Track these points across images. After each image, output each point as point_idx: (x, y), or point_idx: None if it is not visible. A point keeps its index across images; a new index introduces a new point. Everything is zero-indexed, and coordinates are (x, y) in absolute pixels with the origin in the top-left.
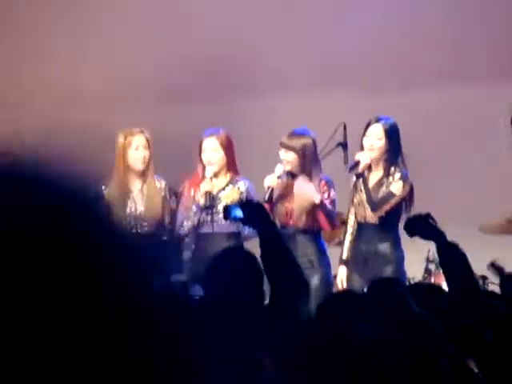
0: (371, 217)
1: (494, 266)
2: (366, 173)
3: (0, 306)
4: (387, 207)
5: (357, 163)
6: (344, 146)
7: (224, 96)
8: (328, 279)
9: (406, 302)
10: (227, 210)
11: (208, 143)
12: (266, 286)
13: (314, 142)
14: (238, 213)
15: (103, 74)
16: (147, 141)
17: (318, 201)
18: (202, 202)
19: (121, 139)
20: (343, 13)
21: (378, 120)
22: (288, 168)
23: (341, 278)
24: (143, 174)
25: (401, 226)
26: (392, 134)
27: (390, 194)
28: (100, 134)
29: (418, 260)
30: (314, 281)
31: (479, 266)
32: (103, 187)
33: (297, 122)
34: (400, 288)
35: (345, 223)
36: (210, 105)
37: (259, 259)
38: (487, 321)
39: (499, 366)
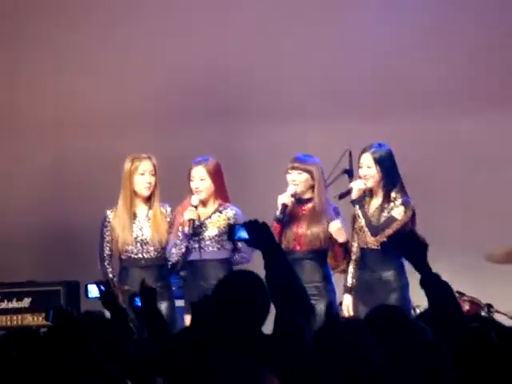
0: (373, 242)
1: None
2: (364, 199)
3: None
4: (389, 231)
5: (349, 191)
6: (349, 172)
7: (224, 122)
8: (334, 307)
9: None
10: (231, 230)
11: (196, 172)
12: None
13: (321, 166)
14: (243, 234)
15: (104, 102)
16: (154, 167)
17: (343, 240)
18: (186, 229)
19: (128, 164)
20: (343, 38)
21: (368, 149)
22: (299, 189)
23: (347, 305)
24: (149, 200)
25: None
26: (382, 161)
27: (392, 219)
28: (103, 160)
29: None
30: (320, 307)
31: (485, 294)
32: (109, 211)
33: (302, 149)
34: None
35: (349, 252)
36: (210, 131)
37: (265, 281)
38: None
39: None
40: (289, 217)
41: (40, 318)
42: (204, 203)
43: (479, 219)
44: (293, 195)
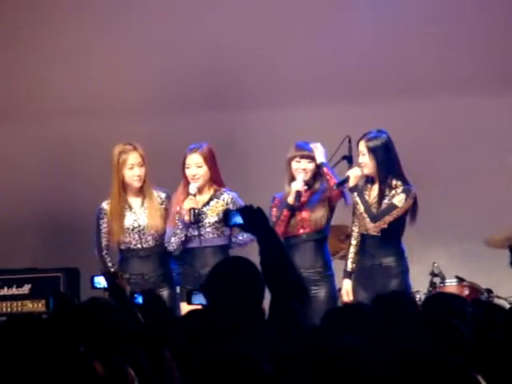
0: (373, 229)
1: None
2: (365, 186)
3: None
4: (389, 218)
5: (346, 179)
6: (349, 159)
7: (220, 109)
8: (334, 292)
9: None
10: (227, 216)
11: (192, 159)
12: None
13: None
14: (238, 219)
15: (100, 87)
16: (141, 157)
17: (322, 159)
18: (186, 218)
19: (115, 158)
20: (341, 24)
21: (363, 137)
22: (307, 178)
23: (346, 289)
24: (141, 190)
25: (406, 238)
26: (376, 149)
27: (392, 206)
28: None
29: (422, 273)
30: (322, 294)
31: (485, 279)
32: (105, 203)
33: (302, 135)
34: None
35: (349, 236)
36: (209, 116)
37: (259, 267)
38: None
39: None
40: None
41: (40, 305)
42: (200, 190)
43: (479, 204)
44: (305, 182)
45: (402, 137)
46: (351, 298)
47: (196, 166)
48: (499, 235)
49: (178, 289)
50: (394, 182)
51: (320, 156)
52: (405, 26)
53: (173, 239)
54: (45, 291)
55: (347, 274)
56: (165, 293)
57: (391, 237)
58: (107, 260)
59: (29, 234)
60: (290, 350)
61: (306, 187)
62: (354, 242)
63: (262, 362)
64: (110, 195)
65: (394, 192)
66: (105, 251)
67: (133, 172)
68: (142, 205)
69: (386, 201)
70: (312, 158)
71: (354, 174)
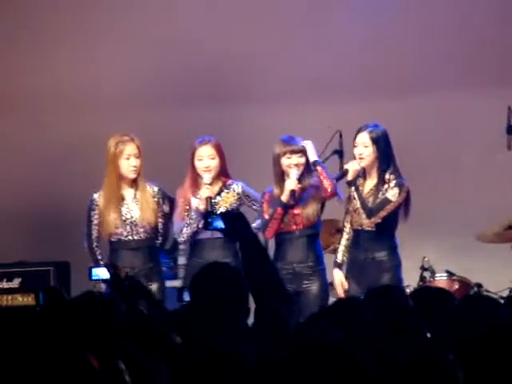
0: (368, 224)
1: None
2: (358, 181)
3: None
4: (384, 213)
5: (344, 173)
6: (340, 153)
7: (218, 104)
8: (326, 287)
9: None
10: (208, 219)
11: (204, 151)
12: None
13: None
14: (219, 223)
15: (96, 80)
16: (138, 149)
17: (315, 158)
18: (202, 207)
19: (112, 148)
20: (330, 19)
21: (364, 128)
22: (300, 171)
23: (340, 280)
24: (135, 182)
25: (397, 233)
26: (379, 140)
27: (386, 200)
28: (92, 139)
29: (413, 268)
30: (315, 288)
31: (475, 273)
32: (96, 195)
33: (292, 130)
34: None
35: (340, 231)
36: (202, 112)
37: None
38: None
39: None
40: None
41: (30, 299)
42: (211, 183)
43: (470, 199)
44: (298, 179)
45: (393, 133)
46: (346, 286)
47: (209, 158)
48: (490, 230)
49: (167, 283)
50: (387, 176)
51: (312, 154)
52: (398, 23)
53: (185, 230)
54: (35, 285)
55: (337, 265)
56: (154, 286)
57: (385, 231)
58: (97, 252)
59: (19, 227)
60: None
61: (299, 185)
62: (345, 236)
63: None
64: (104, 186)
65: (386, 186)
66: (95, 243)
67: (129, 162)
68: (135, 197)
69: (379, 195)
70: (302, 152)
71: (352, 168)
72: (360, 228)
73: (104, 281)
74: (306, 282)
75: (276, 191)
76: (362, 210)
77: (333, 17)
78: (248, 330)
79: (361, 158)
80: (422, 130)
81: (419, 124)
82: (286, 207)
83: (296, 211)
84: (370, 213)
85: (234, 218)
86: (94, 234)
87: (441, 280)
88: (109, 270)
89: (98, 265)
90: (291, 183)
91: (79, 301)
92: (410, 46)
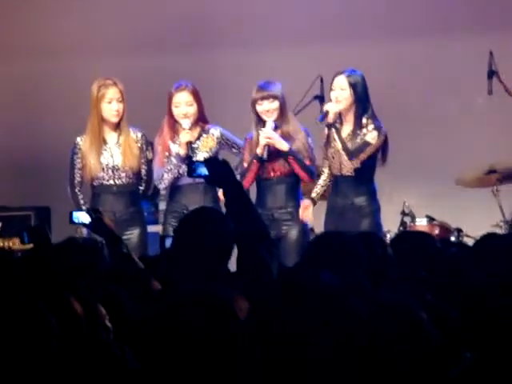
0: (347, 169)
1: None
2: (337, 123)
3: None
4: (364, 156)
5: (326, 114)
6: (321, 98)
7: (197, 49)
8: (306, 232)
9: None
10: (191, 166)
11: (181, 97)
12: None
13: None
14: (203, 170)
15: (79, 23)
16: (121, 93)
17: (285, 147)
18: (182, 152)
19: (94, 92)
20: None
21: (342, 72)
22: (274, 117)
23: (304, 206)
24: (118, 126)
25: (379, 178)
26: (356, 84)
27: (366, 143)
28: (75, 82)
29: (393, 213)
30: (294, 233)
31: (456, 218)
32: (79, 138)
33: (273, 75)
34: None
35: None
36: (181, 57)
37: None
38: None
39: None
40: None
41: (11, 243)
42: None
43: (449, 144)
44: (273, 129)
45: (373, 79)
46: (311, 217)
47: (186, 105)
48: (470, 174)
49: (149, 228)
50: (364, 121)
51: (278, 141)
52: None
53: (165, 175)
54: (15, 229)
55: (310, 199)
56: (136, 231)
57: (364, 176)
58: (80, 197)
59: None
60: (262, 293)
61: (272, 140)
62: (323, 177)
63: (235, 297)
64: (87, 130)
65: (365, 130)
66: (77, 188)
67: (110, 106)
68: (118, 141)
69: (357, 140)
70: (274, 97)
71: (333, 110)
72: (339, 174)
73: (84, 225)
74: (285, 227)
75: (255, 138)
76: (342, 152)
77: None
78: (230, 275)
79: (338, 101)
80: (402, 76)
81: (400, 70)
82: (262, 160)
83: (274, 160)
84: (351, 155)
85: (218, 165)
86: (77, 178)
87: (421, 225)
88: (91, 215)
89: (79, 209)
90: (262, 137)
91: (62, 246)
92: None
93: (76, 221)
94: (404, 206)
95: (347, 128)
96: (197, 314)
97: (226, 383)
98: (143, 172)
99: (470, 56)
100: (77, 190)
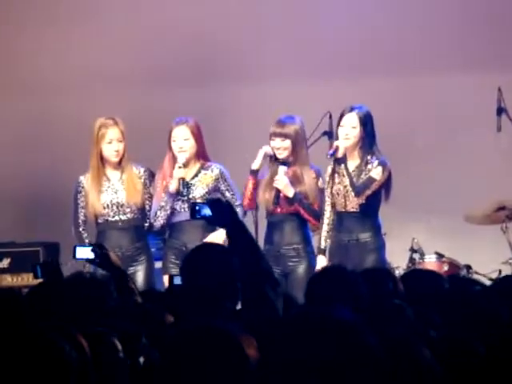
0: (352, 205)
1: None
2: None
3: None
4: (369, 192)
5: (336, 149)
6: (329, 134)
7: (208, 83)
8: (313, 268)
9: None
10: (195, 208)
11: (178, 132)
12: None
13: (303, 127)
14: (207, 211)
15: (83, 59)
16: (121, 133)
17: (291, 194)
18: (173, 187)
19: (95, 131)
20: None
21: (352, 109)
22: (283, 156)
23: (322, 266)
24: (120, 164)
25: (387, 214)
26: (367, 122)
27: (371, 179)
28: (84, 121)
29: (402, 249)
30: (300, 270)
31: (465, 255)
32: (82, 177)
33: (282, 111)
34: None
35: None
36: (191, 91)
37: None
38: None
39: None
40: (271, 180)
41: (19, 279)
42: (186, 164)
43: (459, 180)
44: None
45: (383, 114)
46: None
47: (183, 139)
48: (479, 211)
49: (156, 264)
50: (369, 157)
51: (287, 188)
52: (391, 6)
53: (159, 213)
54: (24, 265)
55: (321, 251)
56: (142, 267)
57: (368, 212)
58: (84, 236)
59: (9, 208)
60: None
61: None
62: (326, 221)
63: (239, 335)
64: (89, 168)
65: (370, 166)
66: (82, 227)
67: (111, 147)
68: (121, 178)
69: (362, 176)
70: (286, 136)
71: (343, 145)
72: (344, 210)
73: (88, 260)
74: (291, 264)
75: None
76: (350, 188)
77: None
78: (236, 313)
79: (347, 139)
80: (411, 112)
81: (409, 106)
82: (257, 174)
83: (281, 194)
84: (358, 190)
85: (221, 206)
86: (81, 217)
87: (430, 262)
88: (96, 252)
89: (84, 244)
90: (279, 183)
91: (70, 281)
92: (403, 27)
93: (79, 256)
94: (413, 242)
95: (352, 164)
96: (206, 349)
97: None
98: (147, 208)
99: (479, 92)
100: (81, 229)
